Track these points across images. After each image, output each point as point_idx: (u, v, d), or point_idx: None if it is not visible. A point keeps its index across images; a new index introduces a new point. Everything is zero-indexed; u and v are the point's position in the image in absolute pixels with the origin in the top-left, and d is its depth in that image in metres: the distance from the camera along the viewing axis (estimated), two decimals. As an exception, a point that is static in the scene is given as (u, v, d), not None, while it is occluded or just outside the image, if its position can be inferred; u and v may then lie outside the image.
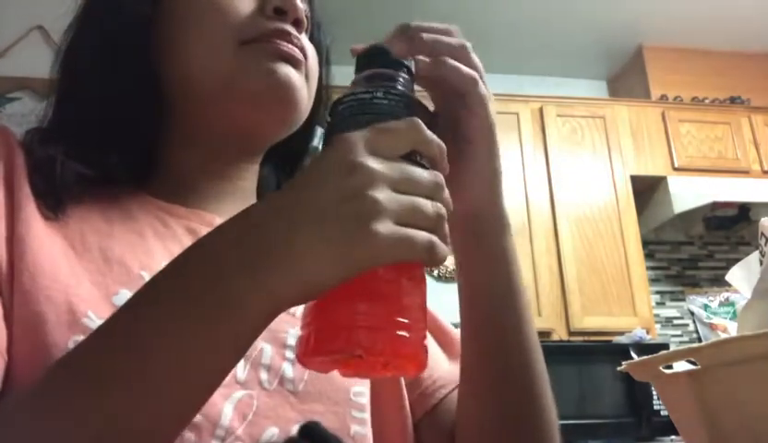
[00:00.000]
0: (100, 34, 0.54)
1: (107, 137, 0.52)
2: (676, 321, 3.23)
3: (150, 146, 0.55)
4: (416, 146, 0.35)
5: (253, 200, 0.59)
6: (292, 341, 0.50)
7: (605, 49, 3.48)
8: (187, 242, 0.50)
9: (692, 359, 0.38)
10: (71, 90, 0.55)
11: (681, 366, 0.40)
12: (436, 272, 2.55)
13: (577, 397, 2.36)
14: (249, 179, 0.59)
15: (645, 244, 3.03)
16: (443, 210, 0.34)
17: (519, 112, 3.00)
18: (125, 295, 0.44)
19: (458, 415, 0.54)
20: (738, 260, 0.50)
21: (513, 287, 0.49)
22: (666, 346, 2.59)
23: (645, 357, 0.40)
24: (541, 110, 3.05)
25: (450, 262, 0.49)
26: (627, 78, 3.59)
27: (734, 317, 3.09)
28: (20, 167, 0.47)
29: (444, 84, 0.43)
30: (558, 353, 2.41)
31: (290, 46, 0.52)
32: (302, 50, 0.53)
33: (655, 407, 2.35)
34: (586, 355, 2.46)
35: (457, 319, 0.51)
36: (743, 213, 3.06)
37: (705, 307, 3.22)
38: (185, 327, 0.32)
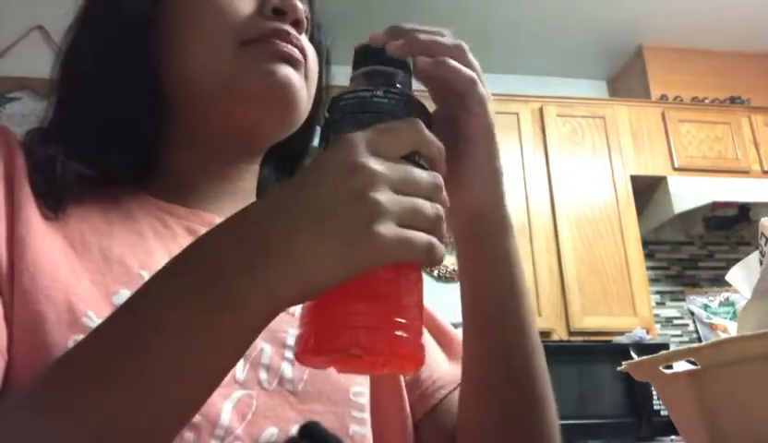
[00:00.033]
0: (100, 35, 0.54)
1: (108, 138, 0.52)
2: (676, 321, 3.23)
3: (150, 146, 0.55)
4: (417, 147, 0.35)
5: (253, 200, 0.59)
6: (291, 340, 0.50)
7: (605, 49, 3.48)
8: (187, 242, 0.49)
9: (692, 359, 0.38)
10: (72, 91, 0.55)
11: (681, 366, 0.40)
12: (436, 272, 2.55)
13: (577, 397, 2.36)
14: (249, 180, 0.59)
15: (645, 244, 3.03)
16: (442, 212, 0.35)
17: (519, 112, 3.00)
18: (124, 295, 0.44)
19: (459, 417, 0.54)
20: (737, 260, 0.50)
21: (516, 290, 0.49)
22: (666, 346, 2.59)
23: (645, 357, 0.40)
24: (541, 110, 3.05)
25: (449, 262, 0.49)
26: (627, 78, 3.59)
27: (734, 317, 3.09)
28: (21, 167, 0.47)
29: (443, 84, 0.43)
30: (557, 353, 2.41)
31: (289, 47, 0.52)
32: (301, 50, 0.53)
33: (655, 407, 2.35)
34: (586, 355, 2.46)
35: (457, 319, 0.51)
36: (743, 213, 3.06)
37: (705, 307, 3.22)
38: (184, 325, 0.32)
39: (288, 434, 0.46)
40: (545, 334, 2.61)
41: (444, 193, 0.36)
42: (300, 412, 0.47)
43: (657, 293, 3.22)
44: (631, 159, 3.04)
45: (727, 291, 3.22)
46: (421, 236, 0.33)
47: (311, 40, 0.58)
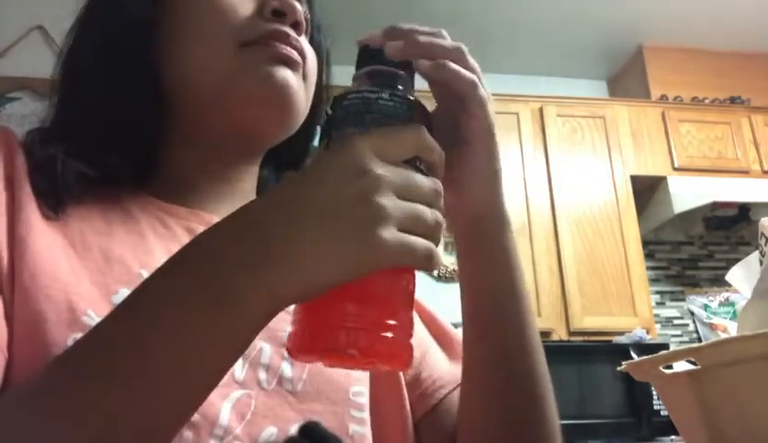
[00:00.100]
0: (101, 35, 0.54)
1: (108, 138, 0.52)
2: (676, 321, 3.23)
3: (150, 146, 0.55)
4: (419, 152, 0.36)
5: (252, 200, 0.59)
6: None
7: (605, 49, 3.48)
8: (187, 242, 0.50)
9: (692, 359, 0.38)
10: (72, 91, 0.55)
11: (681, 366, 0.40)
12: (436, 272, 2.55)
13: (577, 397, 2.36)
14: (249, 181, 0.60)
15: (645, 244, 3.03)
16: (441, 218, 0.35)
17: (519, 112, 3.00)
18: (124, 294, 0.44)
19: (460, 418, 0.54)
20: (737, 260, 0.50)
21: (516, 291, 0.49)
22: (666, 346, 2.59)
23: (645, 357, 0.40)
24: (541, 110, 3.05)
25: (450, 262, 0.49)
26: (627, 78, 3.59)
27: (734, 317, 3.09)
28: (21, 167, 0.47)
29: (443, 86, 0.43)
30: (557, 353, 2.41)
31: (288, 49, 0.52)
32: (300, 52, 0.54)
33: (655, 407, 2.35)
34: (586, 355, 2.46)
35: (457, 319, 0.51)
36: (743, 213, 3.06)
37: (705, 307, 3.22)
38: (182, 324, 0.32)
39: (287, 434, 0.46)
40: (545, 334, 2.61)
41: (442, 199, 0.36)
42: (299, 411, 0.47)
43: (657, 293, 3.22)
44: (631, 159, 3.04)
45: (727, 291, 3.22)
46: (421, 242, 0.33)
47: (311, 41, 0.59)
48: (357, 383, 0.52)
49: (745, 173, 3.09)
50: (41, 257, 0.43)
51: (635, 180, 2.99)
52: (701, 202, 2.89)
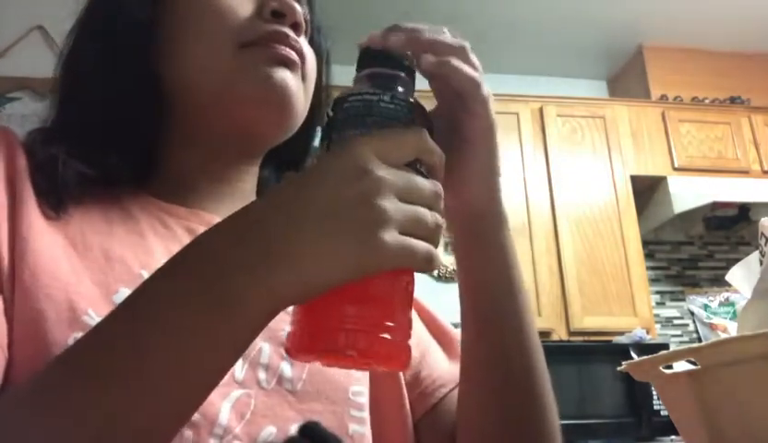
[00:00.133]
0: (101, 36, 0.55)
1: (108, 138, 0.52)
2: (676, 321, 3.23)
3: (150, 146, 0.55)
4: (420, 154, 0.36)
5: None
6: None
7: (605, 49, 3.48)
8: (187, 241, 0.50)
9: (692, 359, 0.38)
10: (73, 92, 0.55)
11: (681, 366, 0.40)
12: (436, 272, 2.55)
13: (577, 397, 2.36)
14: (249, 181, 0.60)
15: (645, 244, 3.03)
16: (441, 221, 0.35)
17: (519, 112, 3.00)
18: (125, 294, 0.44)
19: (458, 417, 0.54)
20: (737, 260, 0.50)
21: (514, 289, 0.49)
22: (666, 346, 2.59)
23: (645, 357, 0.40)
24: (541, 110, 3.05)
25: (450, 262, 0.49)
26: (627, 78, 3.59)
27: (734, 317, 3.09)
28: (22, 167, 0.47)
29: (444, 83, 0.43)
30: (558, 353, 2.41)
31: (287, 50, 0.52)
32: (300, 53, 0.54)
33: (655, 407, 2.35)
34: (586, 355, 2.46)
35: (457, 319, 0.51)
36: (743, 213, 3.06)
37: (705, 307, 3.22)
38: (182, 325, 0.32)
39: (287, 433, 0.46)
40: (545, 334, 2.61)
41: (442, 202, 0.36)
42: (299, 411, 0.47)
43: (657, 293, 3.22)
44: (631, 159, 3.04)
45: (727, 291, 3.22)
46: (422, 245, 0.33)
47: (311, 42, 0.59)
48: (357, 383, 0.52)
49: (745, 173, 3.09)
50: (41, 256, 0.43)
51: (635, 180, 2.99)
52: (701, 202, 2.89)
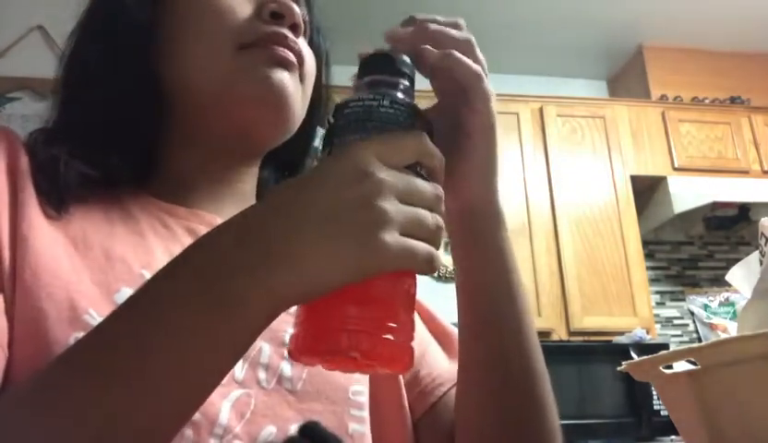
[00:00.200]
0: (102, 36, 0.55)
1: (109, 138, 0.52)
2: (676, 321, 3.23)
3: (150, 146, 0.55)
4: (420, 157, 0.36)
5: (252, 203, 0.59)
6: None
7: (605, 49, 3.48)
8: (187, 242, 0.50)
9: (692, 359, 0.38)
10: (75, 93, 0.55)
11: (681, 366, 0.40)
12: (436, 272, 2.54)
13: (577, 397, 2.36)
14: (249, 182, 0.60)
15: (645, 244, 3.03)
16: (442, 223, 0.35)
17: (519, 112, 3.00)
18: (126, 293, 0.44)
19: (457, 417, 0.54)
20: (737, 260, 0.50)
21: (512, 290, 0.49)
22: (666, 346, 2.59)
23: (645, 357, 0.40)
24: (541, 110, 3.05)
25: (450, 262, 0.49)
26: (627, 78, 3.59)
27: (734, 317, 3.09)
28: (24, 167, 0.47)
29: (447, 77, 0.43)
30: (558, 353, 2.41)
31: (285, 51, 0.52)
32: (298, 54, 0.54)
33: (655, 407, 2.35)
34: (586, 355, 2.46)
35: (456, 319, 0.51)
36: (743, 213, 3.06)
37: (705, 307, 3.22)
38: (183, 326, 0.32)
39: (287, 433, 0.46)
40: (545, 334, 2.61)
41: (443, 205, 0.36)
42: (299, 411, 0.48)
43: (657, 293, 3.22)
44: (631, 159, 3.04)
45: (727, 291, 3.22)
46: (423, 246, 0.33)
47: (310, 43, 0.59)
48: (357, 382, 0.52)
49: (745, 173, 3.10)
50: (42, 255, 0.43)
51: (635, 180, 2.99)
52: (701, 202, 2.89)
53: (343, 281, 0.32)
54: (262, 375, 0.47)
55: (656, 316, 3.03)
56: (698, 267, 3.33)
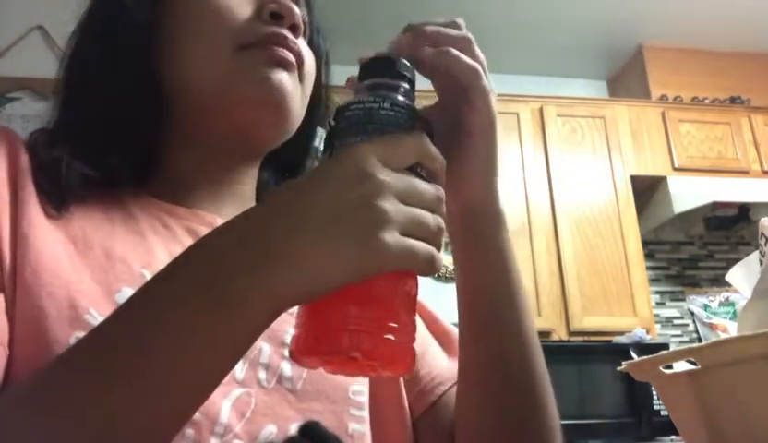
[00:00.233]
0: (102, 37, 0.55)
1: (109, 138, 0.52)
2: (676, 321, 3.23)
3: (150, 146, 0.55)
4: (421, 159, 0.36)
5: (252, 204, 0.59)
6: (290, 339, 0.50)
7: (605, 49, 3.48)
8: (187, 241, 0.50)
9: (692, 359, 0.38)
10: (75, 93, 0.55)
11: (681, 366, 0.40)
12: (437, 273, 2.54)
13: (577, 397, 2.36)
14: (248, 183, 0.60)
15: (645, 244, 3.03)
16: (442, 224, 0.36)
17: (519, 112, 3.00)
18: (126, 293, 0.44)
19: (457, 417, 0.54)
20: (737, 260, 0.50)
21: (512, 293, 0.49)
22: (666, 346, 2.59)
23: (645, 357, 0.40)
24: (541, 110, 3.05)
25: (450, 262, 0.49)
26: (627, 78, 3.59)
27: (734, 317, 3.09)
28: (24, 167, 0.47)
29: (447, 76, 0.43)
30: (558, 353, 2.41)
31: (284, 51, 0.53)
32: (298, 54, 0.54)
33: (655, 407, 2.35)
34: (586, 355, 2.46)
35: (457, 319, 0.51)
36: (743, 213, 3.06)
37: (705, 307, 3.22)
38: (183, 326, 0.32)
39: (287, 432, 0.46)
40: (545, 334, 2.61)
41: (444, 206, 0.36)
42: (299, 410, 0.48)
43: (657, 293, 3.22)
44: (631, 159, 3.04)
45: (727, 291, 3.22)
46: (423, 246, 0.33)
47: (310, 43, 0.59)
48: (356, 382, 0.53)
49: (745, 173, 3.10)
50: (43, 254, 0.43)
51: (635, 180, 2.99)
52: (701, 202, 2.89)
53: (344, 281, 0.32)
54: (262, 374, 0.48)
55: (656, 316, 3.03)
56: (698, 267, 3.34)
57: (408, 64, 0.41)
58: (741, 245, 3.35)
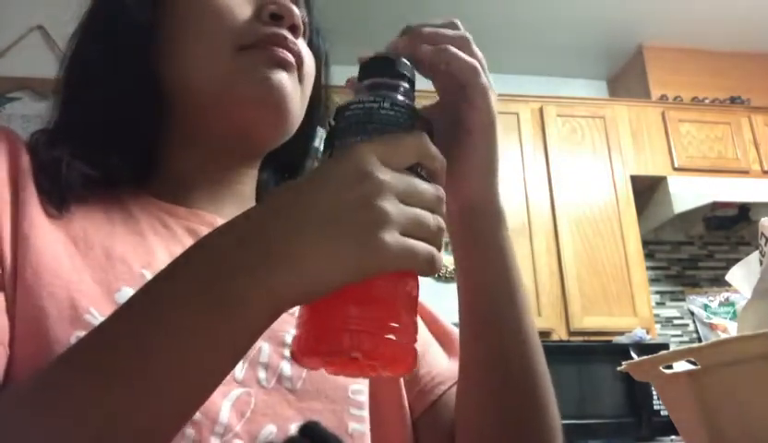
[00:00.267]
0: (102, 37, 0.55)
1: (109, 139, 0.53)
2: (676, 321, 3.23)
3: (150, 147, 0.55)
4: (421, 159, 0.36)
5: (252, 204, 0.59)
6: (290, 339, 0.50)
7: (605, 49, 3.48)
8: (188, 241, 0.50)
9: (692, 359, 0.38)
10: (76, 93, 0.55)
11: (681, 366, 0.40)
12: (437, 273, 2.54)
13: (577, 397, 2.36)
14: (248, 184, 0.60)
15: (645, 244, 3.03)
16: (443, 224, 0.36)
17: (519, 112, 3.00)
18: (127, 292, 0.44)
19: (457, 417, 0.54)
20: (737, 260, 0.50)
21: (512, 291, 0.49)
22: (666, 346, 2.59)
23: (645, 357, 0.40)
24: (541, 110, 3.05)
25: (450, 262, 0.49)
26: (627, 78, 3.59)
27: (734, 317, 3.09)
28: (25, 167, 0.47)
29: (446, 75, 0.43)
30: (558, 353, 2.41)
31: (284, 52, 0.53)
32: (297, 55, 0.54)
33: (655, 407, 2.35)
34: (586, 355, 2.46)
35: (457, 319, 0.51)
36: (743, 213, 3.06)
37: (705, 307, 3.22)
38: (183, 326, 0.32)
39: (287, 432, 0.46)
40: (545, 334, 2.61)
41: (444, 206, 0.36)
42: (298, 410, 0.48)
43: (657, 293, 3.22)
44: (631, 159, 3.04)
45: (727, 291, 3.22)
46: (424, 247, 0.33)
47: (309, 44, 0.59)
48: (356, 381, 0.53)
49: (745, 173, 3.10)
50: (43, 254, 0.43)
51: (635, 180, 2.99)
52: (701, 202, 2.89)
53: (344, 281, 0.32)
54: (262, 374, 0.48)
55: (656, 316, 3.03)
56: (698, 267, 3.34)
57: (408, 63, 0.41)
58: (741, 245, 3.35)
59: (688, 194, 2.93)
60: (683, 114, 3.18)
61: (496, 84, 0.44)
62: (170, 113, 0.55)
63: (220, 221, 0.49)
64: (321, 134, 0.64)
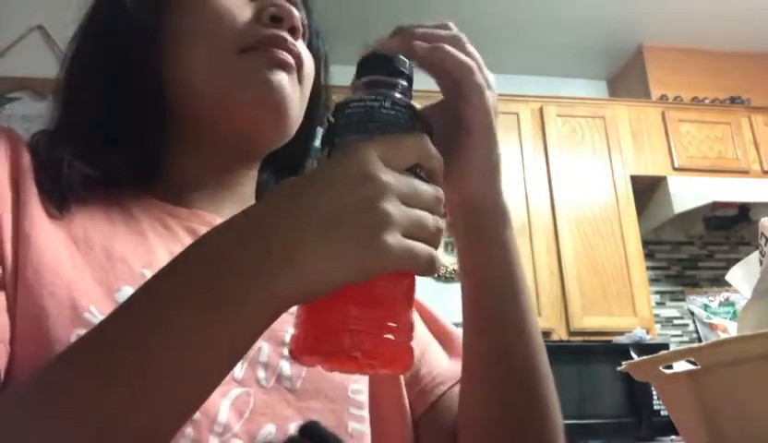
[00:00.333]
0: (103, 37, 0.55)
1: (110, 139, 0.53)
2: (676, 321, 3.23)
3: (151, 147, 0.55)
4: (421, 159, 0.36)
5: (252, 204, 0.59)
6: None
7: (605, 49, 3.48)
8: (188, 242, 0.50)
9: (692, 359, 0.38)
10: (76, 93, 0.55)
11: (681, 366, 0.40)
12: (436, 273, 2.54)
13: (577, 397, 2.36)
14: (248, 185, 0.60)
15: (645, 244, 3.03)
16: (442, 225, 0.36)
17: (519, 112, 3.00)
18: (127, 292, 0.44)
19: (459, 414, 0.54)
20: (737, 260, 0.50)
21: (516, 287, 0.49)
22: (666, 346, 2.59)
23: (645, 357, 0.40)
24: (541, 110, 3.05)
25: (449, 262, 0.49)
26: (627, 78, 3.59)
27: (734, 317, 3.09)
28: (26, 167, 0.47)
29: (444, 73, 0.43)
30: (558, 353, 2.41)
31: (284, 53, 0.53)
32: (297, 56, 0.54)
33: (655, 407, 2.35)
34: (586, 355, 2.46)
35: (457, 319, 0.51)
36: (743, 213, 3.06)
37: (705, 307, 3.22)
38: (183, 325, 0.32)
39: (286, 431, 0.46)
40: (545, 334, 2.61)
41: (443, 206, 0.36)
42: (298, 409, 0.48)
43: (657, 293, 3.22)
44: (631, 159, 3.04)
45: (727, 291, 3.22)
46: (424, 248, 0.34)
47: (309, 46, 0.59)
48: (356, 381, 0.53)
49: (745, 173, 3.10)
50: (44, 254, 0.43)
51: (635, 180, 2.99)
52: (701, 202, 2.89)
53: (345, 282, 0.32)
54: (261, 373, 0.48)
55: (656, 316, 3.03)
56: (698, 267, 3.34)
57: (406, 61, 0.41)
58: (741, 245, 3.35)
59: (688, 194, 2.93)
60: (683, 114, 3.18)
61: (496, 84, 0.44)
62: (170, 114, 0.55)
63: (220, 222, 0.49)
64: (322, 133, 0.64)
